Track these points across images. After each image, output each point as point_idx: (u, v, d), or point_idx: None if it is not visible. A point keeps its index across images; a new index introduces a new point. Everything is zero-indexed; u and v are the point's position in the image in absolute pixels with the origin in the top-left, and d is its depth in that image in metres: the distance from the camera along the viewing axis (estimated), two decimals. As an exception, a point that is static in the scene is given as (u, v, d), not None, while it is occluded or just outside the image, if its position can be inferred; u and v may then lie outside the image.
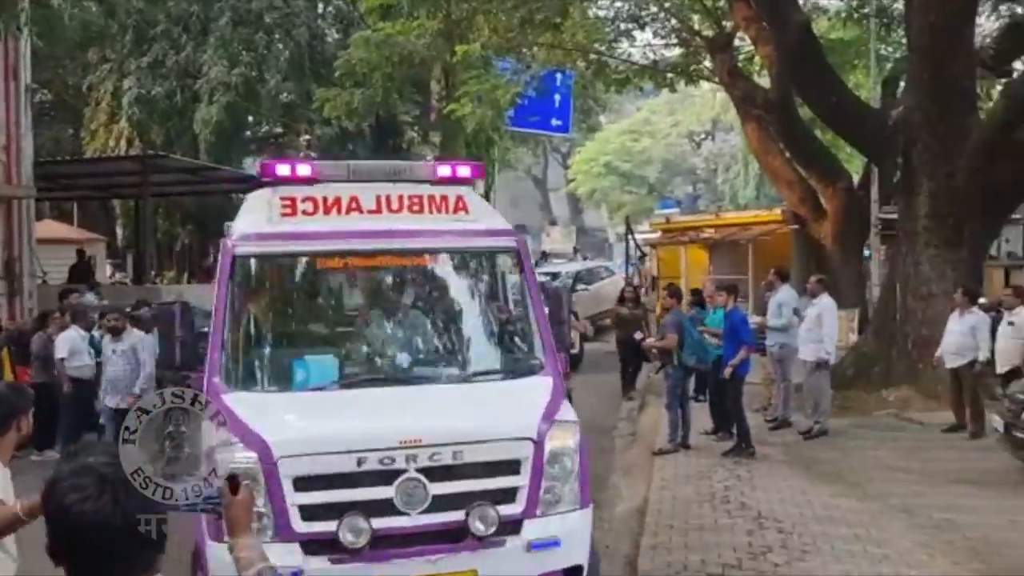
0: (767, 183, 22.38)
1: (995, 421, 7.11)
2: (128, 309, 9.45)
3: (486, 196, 27.91)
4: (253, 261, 4.05)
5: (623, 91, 16.45)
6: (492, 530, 3.47)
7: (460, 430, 3.65)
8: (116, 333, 8.18)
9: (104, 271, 19.98)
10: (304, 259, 4.22)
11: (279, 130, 22.83)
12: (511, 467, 3.62)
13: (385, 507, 3.31)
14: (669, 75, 15.37)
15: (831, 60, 13.88)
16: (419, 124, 20.05)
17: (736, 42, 13.89)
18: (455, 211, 4.36)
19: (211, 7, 19.53)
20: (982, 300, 8.88)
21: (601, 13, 14.24)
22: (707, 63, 14.27)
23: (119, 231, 22.90)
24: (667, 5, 14.50)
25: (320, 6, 20.87)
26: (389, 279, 4.45)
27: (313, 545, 3.27)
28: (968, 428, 7.89)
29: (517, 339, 4.36)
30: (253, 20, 18.70)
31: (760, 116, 12.87)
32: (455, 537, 3.44)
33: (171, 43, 19.54)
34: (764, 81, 13.58)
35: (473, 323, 4.44)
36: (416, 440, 3.45)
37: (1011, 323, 8.09)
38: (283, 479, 3.30)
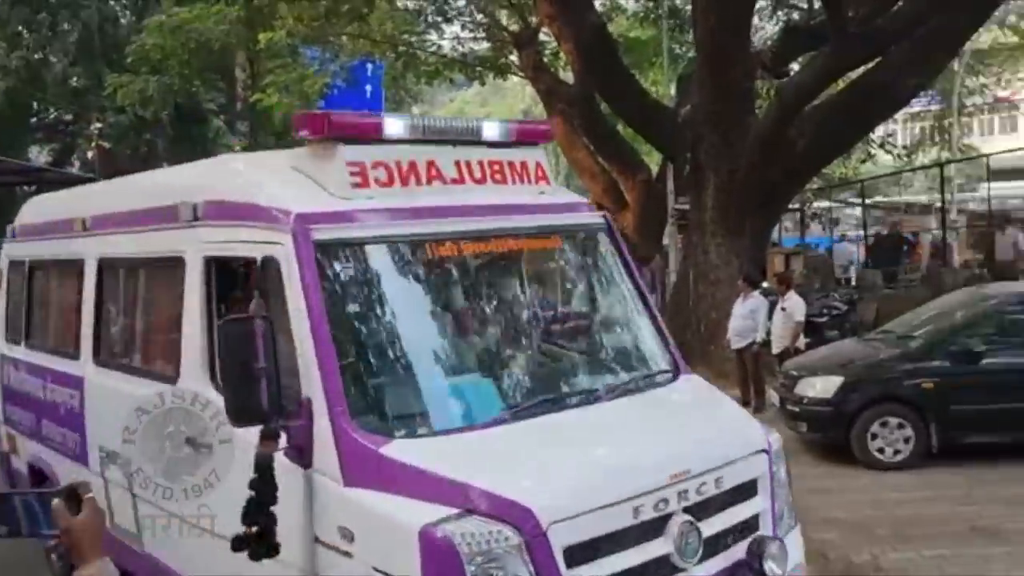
0: (575, 174, 23.61)
1: (772, 396, 8.12)
2: None
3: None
4: (341, 250, 3.13)
5: (434, 83, 16.93)
6: (785, 570, 3.07)
7: (716, 454, 3.15)
8: None
9: None
10: (410, 246, 3.34)
11: (68, 117, 21.91)
12: (752, 488, 3.23)
13: (664, 565, 2.78)
14: (478, 68, 16.10)
15: (631, 58, 14.71)
16: (225, 113, 19.91)
17: (542, 37, 14.53)
18: (537, 180, 3.83)
19: None
20: (764, 285, 9.84)
21: (409, 5, 14.72)
22: (514, 57, 15.00)
23: None
24: (478, 3, 15.05)
25: None
26: (499, 270, 3.72)
27: None
28: (752, 404, 8.61)
29: (642, 335, 3.84)
30: (32, 1, 18.06)
31: (564, 110, 13.62)
32: None
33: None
34: (569, 76, 14.37)
35: (603, 321, 3.89)
36: (685, 472, 2.94)
37: (783, 308, 9.08)
38: (555, 553, 2.58)
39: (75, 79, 19.53)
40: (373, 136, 3.32)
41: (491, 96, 34.96)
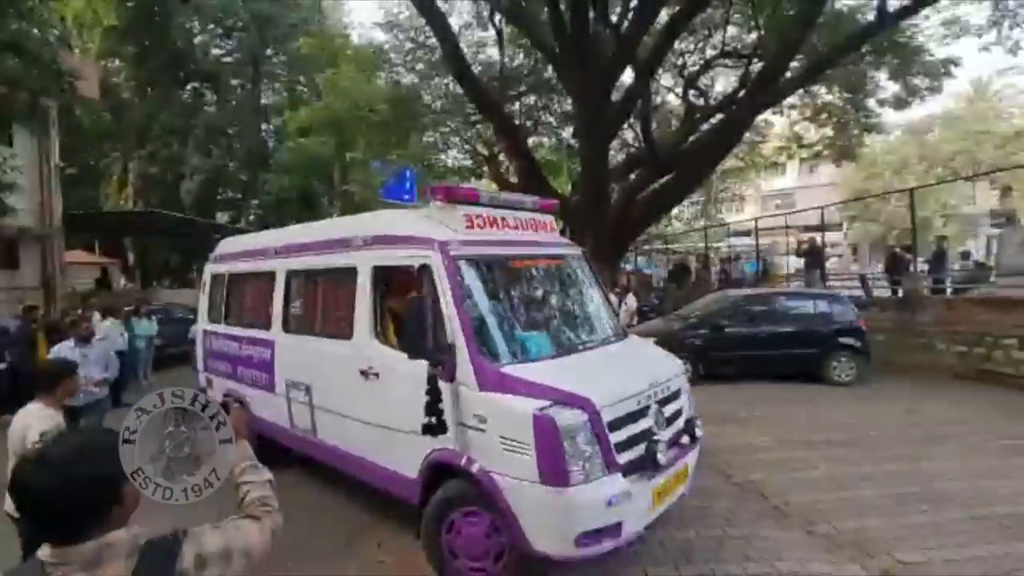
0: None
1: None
2: (132, 307, 8.84)
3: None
4: (463, 262, 3.16)
5: (442, 181, 17.99)
6: (693, 437, 3.26)
7: (667, 373, 3.36)
8: (86, 340, 5.21)
9: (119, 281, 18.55)
10: (496, 261, 3.44)
11: (239, 196, 22.10)
12: (680, 391, 3.37)
13: (649, 432, 2.93)
14: (467, 175, 16.74)
15: (548, 170, 16.15)
16: (327, 196, 20.08)
17: (500, 158, 15.03)
18: (550, 230, 4.00)
19: (189, 121, 18.86)
20: (617, 290, 10.23)
21: (429, 139, 15.26)
22: (485, 168, 15.67)
23: (130, 256, 21.04)
24: (465, 136, 16.00)
25: (264, 125, 20.59)
26: (542, 274, 3.73)
27: (628, 469, 2.78)
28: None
29: (606, 313, 3.91)
30: (217, 132, 18.52)
31: None
32: (679, 444, 3.17)
33: (163, 143, 18.80)
34: (515, 179, 14.03)
35: (592, 303, 3.91)
36: (655, 382, 3.13)
37: (625, 303, 9.35)
38: (604, 424, 2.72)
39: (243, 176, 20.36)
40: (474, 200, 3.48)
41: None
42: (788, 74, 9.39)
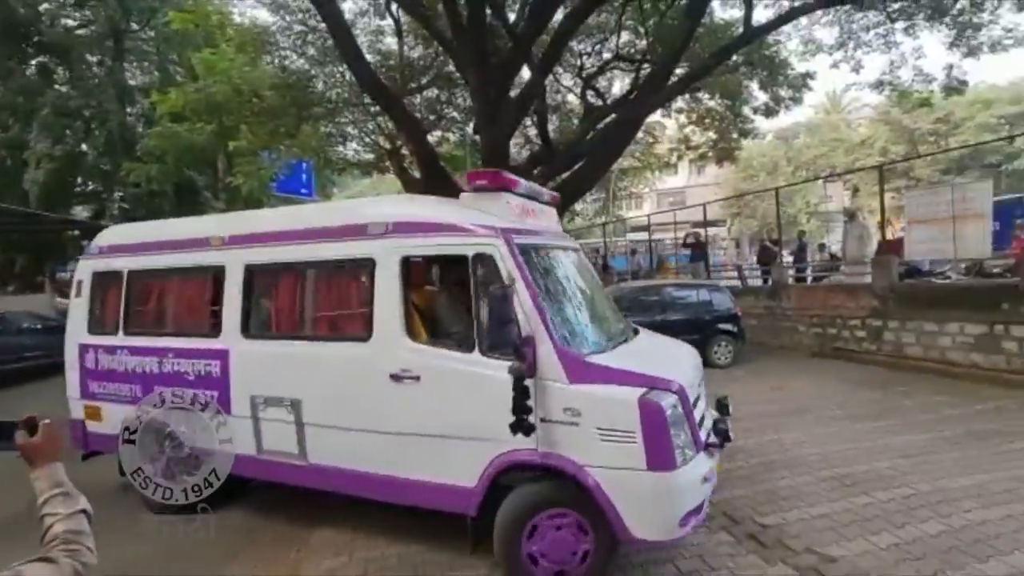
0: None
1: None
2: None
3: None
4: (520, 248, 2.99)
5: (341, 174, 17.15)
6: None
7: (695, 358, 3.58)
8: None
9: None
10: (546, 250, 3.36)
11: (100, 189, 19.44)
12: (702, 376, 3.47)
13: (701, 411, 3.05)
14: (368, 168, 16.23)
15: (452, 165, 16.08)
16: (211, 188, 18.64)
17: (403, 152, 14.16)
18: (557, 223, 4.04)
19: (34, 100, 16.30)
20: None
21: (325, 130, 14.12)
22: (389, 163, 14.96)
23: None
24: (365, 129, 15.26)
25: (128, 108, 18.29)
26: (574, 266, 3.67)
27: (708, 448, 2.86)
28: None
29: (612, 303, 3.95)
30: (71, 113, 16.30)
31: (418, 193, 14.46)
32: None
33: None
34: (418, 174, 14.01)
35: (607, 296, 4.10)
36: (696, 366, 3.41)
37: None
38: (689, 404, 2.80)
39: (105, 165, 18.01)
40: (512, 189, 3.30)
41: (379, 184, 34.31)
42: (674, 78, 10.01)
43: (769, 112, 13.56)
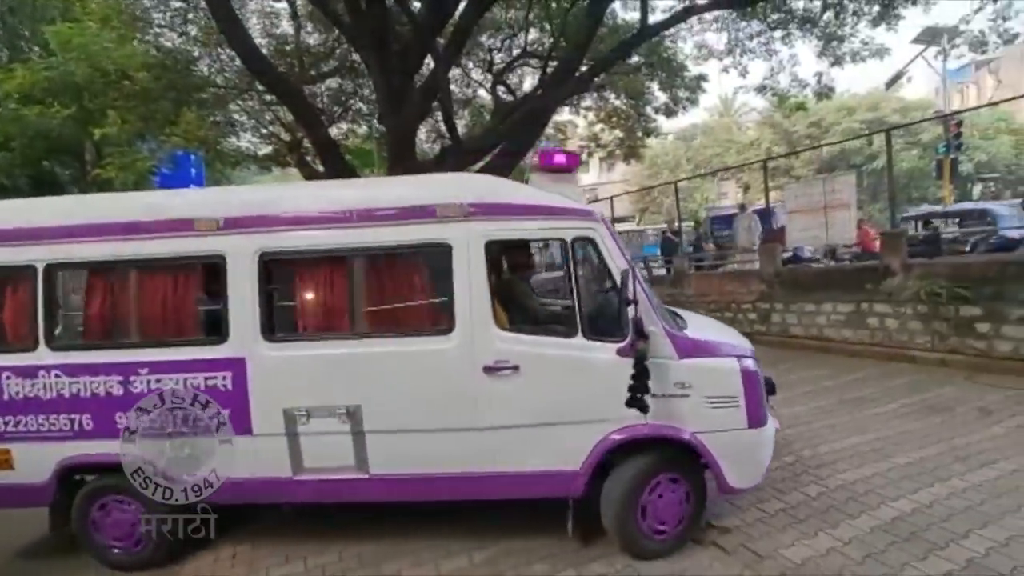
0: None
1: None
2: None
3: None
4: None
5: (237, 168, 15.21)
6: None
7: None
8: None
9: None
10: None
11: None
12: None
13: None
14: (267, 162, 15.10)
15: (361, 159, 15.60)
16: (77, 183, 16.93)
17: (307, 144, 13.28)
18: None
19: None
20: None
21: (213, 119, 12.91)
22: (289, 156, 14.05)
23: None
24: (261, 120, 14.26)
25: None
26: None
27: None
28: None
29: None
30: None
31: None
32: None
33: None
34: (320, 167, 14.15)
35: None
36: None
37: None
38: (759, 367, 3.03)
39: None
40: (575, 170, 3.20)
41: (282, 179, 32.41)
42: (578, 74, 10.20)
43: (669, 112, 14.32)
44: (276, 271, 3.08)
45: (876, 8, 10.15)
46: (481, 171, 11.04)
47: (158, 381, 3.04)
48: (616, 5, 11.90)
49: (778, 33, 11.58)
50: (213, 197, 3.41)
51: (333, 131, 13.40)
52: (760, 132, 33.62)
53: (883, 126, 26.12)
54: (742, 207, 12.87)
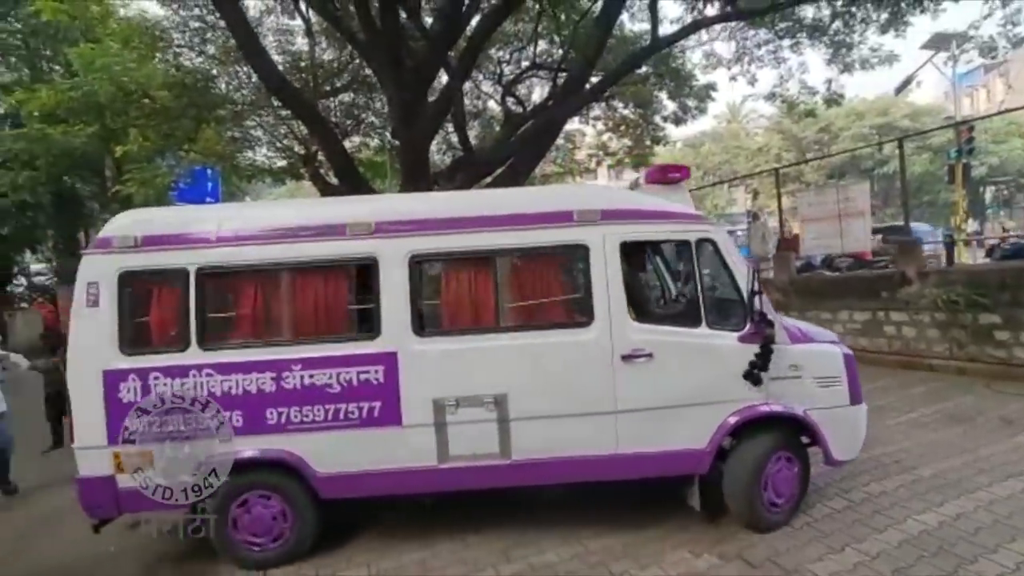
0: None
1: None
2: None
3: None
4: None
5: (252, 182, 15.44)
6: None
7: None
8: None
9: None
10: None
11: None
12: None
13: None
14: (282, 175, 15.01)
15: (373, 172, 15.75)
16: (99, 199, 17.18)
17: (321, 157, 13.32)
18: None
19: None
20: None
21: (230, 134, 13.09)
22: (304, 169, 13.95)
23: None
24: (276, 133, 14.52)
25: None
26: None
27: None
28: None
29: None
30: None
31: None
32: None
33: None
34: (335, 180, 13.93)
35: None
36: None
37: None
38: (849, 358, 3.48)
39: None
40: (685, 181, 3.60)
41: (296, 192, 32.74)
42: (588, 86, 10.29)
43: (678, 120, 14.37)
44: (425, 271, 3.35)
45: (885, 15, 10.15)
46: (493, 182, 11.14)
47: (311, 376, 3.17)
48: (625, 17, 11.98)
49: (787, 41, 11.61)
50: (363, 203, 3.87)
51: (346, 144, 13.52)
52: (769, 138, 33.50)
53: (893, 130, 25.95)
54: (755, 215, 12.82)
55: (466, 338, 3.27)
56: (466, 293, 3.31)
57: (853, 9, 10.18)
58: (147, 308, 3.34)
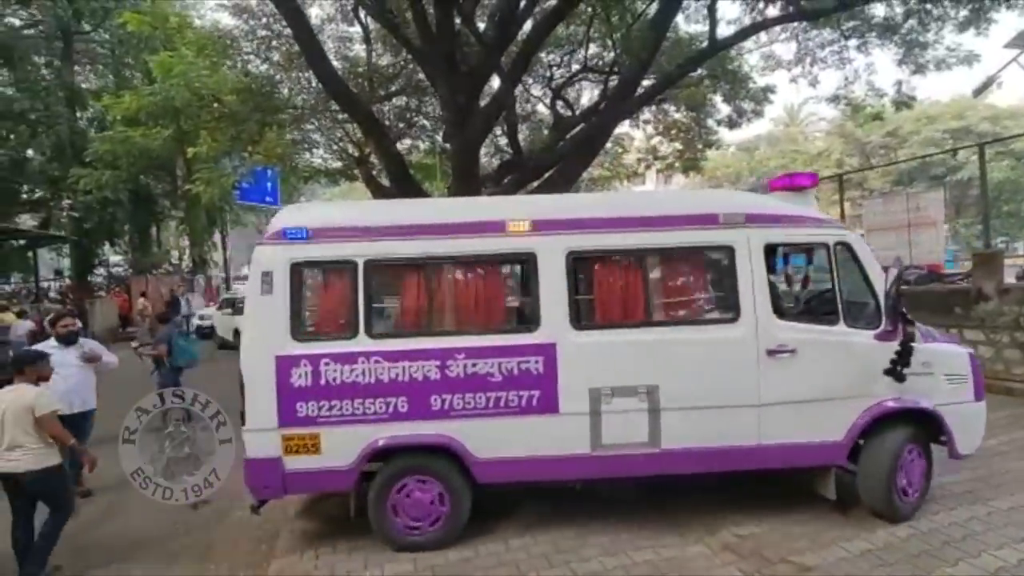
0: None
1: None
2: None
3: (223, 243, 26.16)
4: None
5: (308, 183, 16.33)
6: None
7: None
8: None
9: None
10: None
11: (48, 196, 18.24)
12: None
13: None
14: (336, 176, 15.79)
15: (423, 173, 16.00)
16: (169, 197, 18.34)
17: (373, 159, 13.90)
18: None
19: None
20: None
21: (290, 137, 13.56)
22: (357, 171, 14.65)
23: None
24: (333, 136, 14.95)
25: (80, 112, 17.45)
26: None
27: None
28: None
29: None
30: (15, 116, 15.43)
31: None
32: None
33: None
34: (386, 182, 13.46)
35: None
36: None
37: None
38: None
39: (54, 171, 17.02)
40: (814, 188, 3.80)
41: (350, 192, 33.65)
42: (641, 89, 10.14)
43: (732, 124, 13.94)
44: (580, 267, 3.48)
45: (965, 12, 9.47)
46: (542, 186, 11.16)
47: (474, 365, 3.33)
48: (680, 18, 11.71)
49: (853, 41, 11.03)
50: (520, 203, 4.15)
51: (398, 147, 13.87)
52: (829, 142, 31.92)
53: (969, 135, 24.18)
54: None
55: (620, 331, 3.42)
56: (619, 288, 3.49)
57: (929, 6, 9.55)
58: (317, 297, 3.55)
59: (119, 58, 18.16)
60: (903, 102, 11.53)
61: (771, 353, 3.37)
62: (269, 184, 18.73)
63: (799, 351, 3.38)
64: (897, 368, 3.33)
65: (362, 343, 3.34)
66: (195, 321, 17.64)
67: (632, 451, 3.38)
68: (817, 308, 3.77)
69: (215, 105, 11.45)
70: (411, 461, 3.41)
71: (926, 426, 3.56)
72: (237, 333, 14.06)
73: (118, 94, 12.48)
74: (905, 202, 7.84)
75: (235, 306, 15.31)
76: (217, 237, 24.11)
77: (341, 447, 3.32)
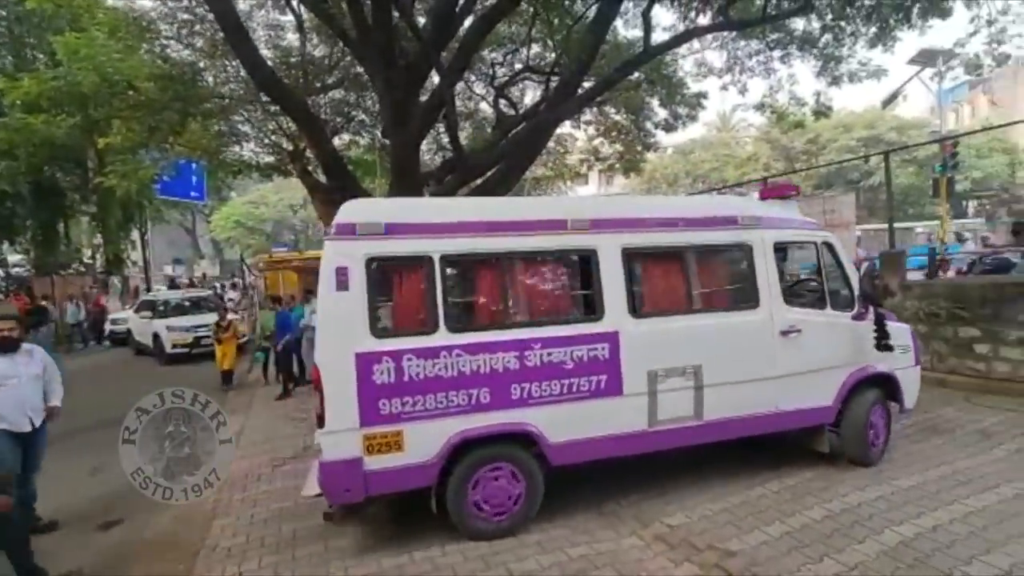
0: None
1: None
2: None
3: (142, 242, 24.33)
4: None
5: (238, 178, 15.45)
6: None
7: None
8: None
9: None
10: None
11: None
12: None
13: None
14: (269, 171, 14.94)
15: (362, 170, 15.50)
16: (80, 190, 16.83)
17: (309, 154, 13.24)
18: None
19: None
20: None
21: (216, 129, 13.10)
22: (291, 166, 13.87)
23: None
24: (264, 129, 14.20)
25: None
26: None
27: None
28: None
29: None
30: None
31: (322, 198, 12.13)
32: None
33: None
34: (322, 177, 13.69)
35: None
36: None
37: None
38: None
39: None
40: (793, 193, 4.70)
41: (283, 185, 31.97)
42: (581, 90, 10.31)
43: (668, 127, 14.46)
44: (633, 262, 3.86)
45: (873, 30, 10.31)
46: (482, 185, 11.11)
47: (549, 355, 3.52)
48: (618, 23, 12.03)
49: (777, 53, 11.75)
50: (580, 203, 4.75)
51: (336, 142, 13.42)
52: (758, 147, 33.92)
53: (880, 143, 26.39)
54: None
55: (669, 318, 3.85)
56: (664, 280, 3.97)
57: (843, 23, 10.32)
58: (394, 292, 3.52)
59: (18, 38, 16.42)
60: (821, 111, 12.40)
61: (784, 334, 4.03)
62: (194, 178, 17.63)
63: (805, 331, 4.06)
64: (882, 342, 4.10)
65: (444, 337, 3.39)
66: (107, 326, 16.27)
67: (681, 424, 3.80)
68: (809, 296, 4.49)
69: (130, 92, 10.58)
70: (491, 451, 3.51)
71: (885, 387, 4.40)
72: (156, 337, 13.06)
73: (16, 77, 11.26)
74: (822, 204, 8.40)
75: (155, 309, 14.27)
76: (136, 235, 22.30)
77: (425, 442, 3.33)
